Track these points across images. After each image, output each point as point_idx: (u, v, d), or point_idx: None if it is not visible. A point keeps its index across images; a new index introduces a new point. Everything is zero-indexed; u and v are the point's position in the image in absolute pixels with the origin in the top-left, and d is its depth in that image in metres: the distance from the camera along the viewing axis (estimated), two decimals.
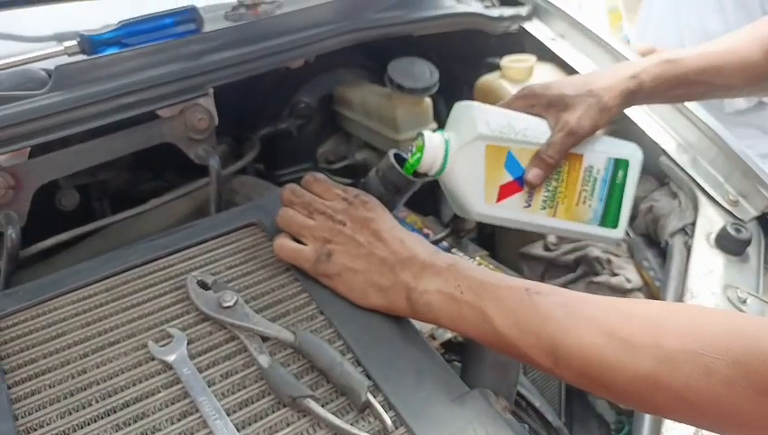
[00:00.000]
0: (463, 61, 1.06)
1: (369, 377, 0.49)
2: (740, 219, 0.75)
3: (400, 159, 0.65)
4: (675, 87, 0.68)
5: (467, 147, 0.62)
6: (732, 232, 0.70)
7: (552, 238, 0.87)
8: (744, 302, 0.65)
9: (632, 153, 0.66)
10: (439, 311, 0.50)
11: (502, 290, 0.48)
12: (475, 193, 0.63)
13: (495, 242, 1.04)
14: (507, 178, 0.63)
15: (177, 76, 0.65)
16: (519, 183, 0.64)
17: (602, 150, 0.65)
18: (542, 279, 0.86)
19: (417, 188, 0.65)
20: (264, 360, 0.50)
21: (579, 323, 0.44)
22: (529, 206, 0.64)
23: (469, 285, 0.49)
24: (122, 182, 0.82)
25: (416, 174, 0.64)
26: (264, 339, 0.52)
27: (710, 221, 0.75)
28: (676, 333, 0.41)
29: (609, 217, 0.66)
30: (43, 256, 0.69)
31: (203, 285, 0.56)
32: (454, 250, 0.85)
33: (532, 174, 0.63)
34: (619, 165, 0.65)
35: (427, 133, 0.63)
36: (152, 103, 0.64)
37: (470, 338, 0.51)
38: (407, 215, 0.94)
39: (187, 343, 0.52)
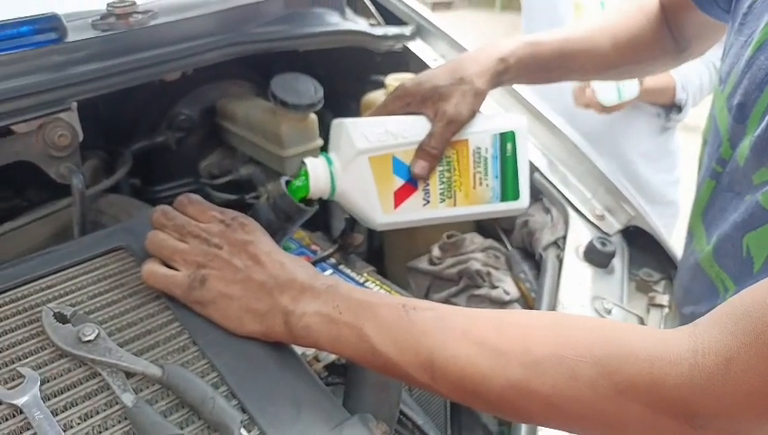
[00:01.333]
0: (350, 76, 1.06)
1: (244, 410, 0.47)
2: (606, 233, 0.81)
3: (291, 185, 0.63)
4: (536, 70, 0.71)
5: (351, 165, 0.62)
6: (598, 245, 0.75)
7: (436, 253, 0.89)
8: (609, 312, 0.70)
9: (515, 123, 0.67)
10: (318, 333, 0.49)
11: (379, 308, 0.48)
12: (371, 206, 0.63)
13: (384, 256, 1.05)
14: (398, 182, 0.64)
15: (34, 89, 0.60)
16: (412, 184, 0.64)
17: (485, 129, 0.66)
18: (427, 292, 0.88)
19: (308, 216, 0.64)
20: (127, 398, 0.47)
21: (453, 336, 0.45)
22: (428, 202, 0.65)
23: (348, 306, 0.49)
24: None
25: (307, 201, 0.63)
26: (130, 375, 0.49)
27: (579, 235, 0.80)
28: (542, 338, 0.43)
29: (508, 191, 0.67)
30: None
31: (60, 318, 0.51)
32: (341, 266, 0.85)
33: (418, 167, 0.64)
34: (506, 138, 0.66)
35: (309, 161, 0.63)
36: (5, 118, 0.58)
37: (349, 359, 0.51)
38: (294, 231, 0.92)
39: (41, 384, 0.47)
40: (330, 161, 0.63)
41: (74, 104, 0.61)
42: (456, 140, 0.65)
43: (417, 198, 0.64)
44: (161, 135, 0.90)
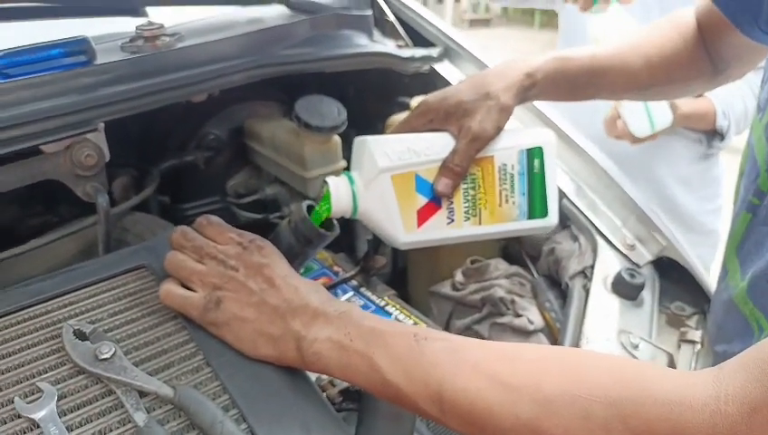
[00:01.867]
0: (379, 97, 1.07)
1: (253, 434, 0.47)
2: (636, 264, 0.78)
3: (312, 210, 0.63)
4: (564, 87, 0.69)
5: (373, 183, 0.62)
6: (626, 277, 0.73)
7: (459, 278, 0.88)
8: (636, 347, 0.67)
9: (543, 138, 0.66)
10: (329, 360, 0.49)
11: (390, 337, 0.47)
12: (394, 225, 0.62)
13: (407, 280, 1.04)
14: (422, 201, 0.63)
15: (63, 110, 0.61)
16: (435, 202, 0.63)
17: (511, 145, 0.64)
18: (449, 318, 0.87)
19: (328, 241, 0.63)
20: (139, 417, 0.47)
21: (465, 369, 0.44)
22: (452, 221, 0.64)
23: (359, 333, 0.48)
24: (8, 218, 0.76)
25: (328, 225, 0.63)
26: (143, 394, 0.49)
27: (607, 265, 0.78)
28: (556, 376, 0.41)
29: (536, 209, 0.65)
30: None
31: (80, 335, 0.52)
32: (362, 289, 0.85)
33: (442, 184, 0.62)
34: (533, 154, 0.65)
35: (331, 180, 0.63)
36: (35, 139, 0.60)
37: (360, 387, 0.50)
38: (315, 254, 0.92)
39: (59, 399, 0.48)
40: (352, 180, 0.63)
41: (101, 125, 0.63)
42: (482, 156, 0.63)
43: (440, 216, 0.63)
44: (190, 154, 0.92)
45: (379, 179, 0.61)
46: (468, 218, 0.64)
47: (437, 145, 0.63)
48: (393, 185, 0.62)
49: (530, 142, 0.65)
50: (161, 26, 0.73)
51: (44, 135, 0.60)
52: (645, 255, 0.79)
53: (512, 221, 0.65)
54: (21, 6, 0.75)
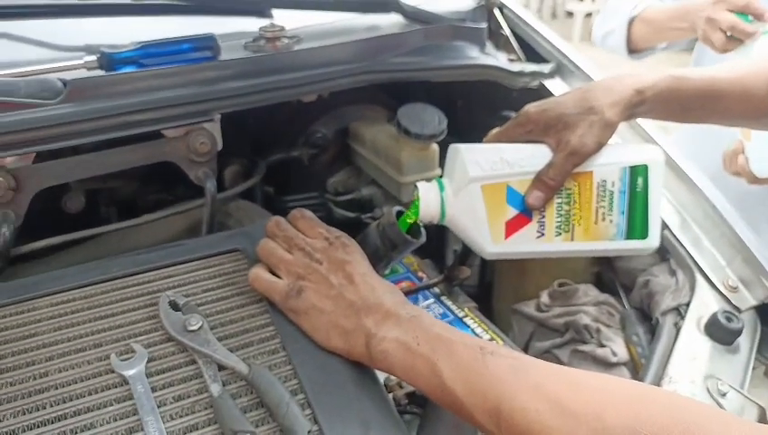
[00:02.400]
0: (486, 110, 1.06)
1: (315, 421, 0.49)
2: (736, 307, 0.73)
3: (401, 216, 0.65)
4: (676, 107, 0.66)
5: (462, 192, 0.62)
6: (722, 320, 0.68)
7: (544, 299, 0.86)
8: (723, 395, 0.63)
9: (649, 156, 0.62)
10: (394, 359, 0.50)
11: (457, 346, 0.48)
12: (481, 235, 0.62)
13: (493, 295, 1.03)
14: (512, 212, 0.62)
15: (185, 100, 0.68)
16: (526, 215, 0.62)
17: (614, 161, 0.62)
18: (529, 339, 0.85)
19: (414, 248, 0.65)
20: (215, 388, 0.51)
21: (526, 388, 0.44)
22: (543, 235, 0.62)
23: (427, 338, 0.49)
24: (131, 191, 0.85)
25: (415, 232, 0.64)
26: (221, 368, 0.53)
27: (705, 305, 0.73)
28: (618, 407, 0.40)
29: (635, 229, 0.62)
30: (45, 253, 0.72)
31: (174, 306, 0.57)
32: (443, 298, 0.85)
33: (533, 197, 0.61)
34: (637, 172, 0.62)
35: (421, 185, 0.64)
36: (158, 123, 0.67)
37: (420, 390, 0.51)
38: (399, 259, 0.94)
39: (148, 361, 0.53)
40: (442, 187, 0.63)
41: (218, 116, 0.69)
42: (580, 171, 0.61)
43: (530, 229, 0.62)
44: (297, 150, 0.97)
45: (468, 188, 0.62)
46: (560, 234, 0.62)
47: (533, 157, 0.62)
48: (483, 194, 0.61)
49: (635, 160, 0.62)
50: (282, 28, 0.78)
51: (167, 121, 0.67)
52: (748, 299, 0.73)
53: (607, 240, 0.62)
54: (157, 4, 0.83)
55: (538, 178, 0.61)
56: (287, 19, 0.86)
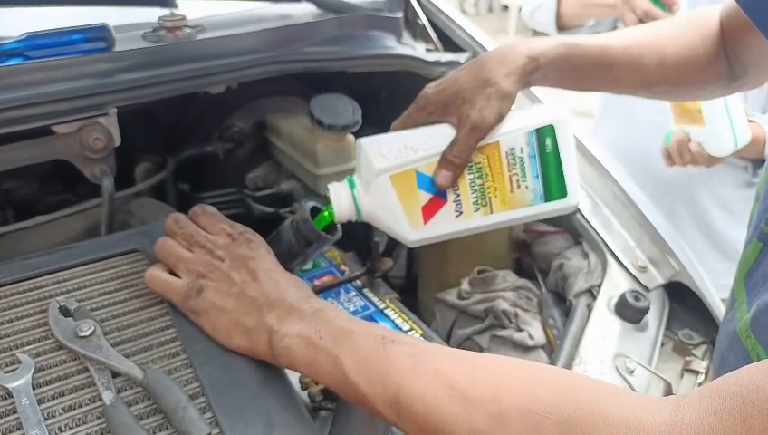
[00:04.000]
0: (410, 100, 1.06)
1: (217, 424, 0.47)
2: (645, 286, 0.75)
3: (318, 212, 0.63)
4: (568, 74, 0.66)
5: (373, 186, 0.61)
6: (630, 300, 0.70)
7: (465, 287, 0.86)
8: (631, 372, 0.64)
9: (552, 116, 0.62)
10: (296, 355, 0.49)
11: (358, 337, 0.47)
12: (400, 225, 0.61)
13: (417, 285, 1.03)
14: (425, 197, 0.61)
15: (77, 93, 0.64)
16: (440, 197, 0.61)
17: (518, 127, 0.61)
18: (452, 327, 0.85)
19: (329, 244, 0.63)
20: (107, 396, 0.48)
21: (424, 375, 0.43)
22: (461, 213, 0.62)
23: (329, 331, 0.48)
24: (29, 192, 0.80)
25: (332, 227, 0.63)
26: (116, 374, 0.50)
27: (615, 285, 0.75)
28: (513, 389, 0.40)
29: (553, 190, 0.62)
30: None
31: (64, 312, 0.54)
32: (365, 290, 0.84)
33: (441, 177, 0.60)
34: (543, 134, 0.61)
35: (331, 186, 0.62)
36: (47, 119, 0.63)
37: (324, 384, 0.50)
38: (328, 248, 0.93)
39: (36, 371, 0.49)
40: (352, 184, 0.62)
41: (113, 110, 0.65)
42: (486, 144, 0.61)
43: (448, 210, 0.61)
44: (211, 145, 0.94)
45: (377, 181, 0.61)
46: (478, 209, 0.62)
47: (437, 138, 0.61)
48: (393, 185, 0.60)
49: (539, 122, 0.61)
50: (183, 18, 0.75)
51: (56, 116, 0.63)
52: (656, 278, 0.75)
53: (526, 206, 0.62)
54: None
55: (443, 158, 0.60)
56: (192, 9, 0.82)
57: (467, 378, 0.42)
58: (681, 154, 1.18)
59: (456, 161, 0.60)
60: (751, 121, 1.26)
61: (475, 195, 0.61)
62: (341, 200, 0.62)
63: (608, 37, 0.68)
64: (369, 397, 0.45)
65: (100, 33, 0.66)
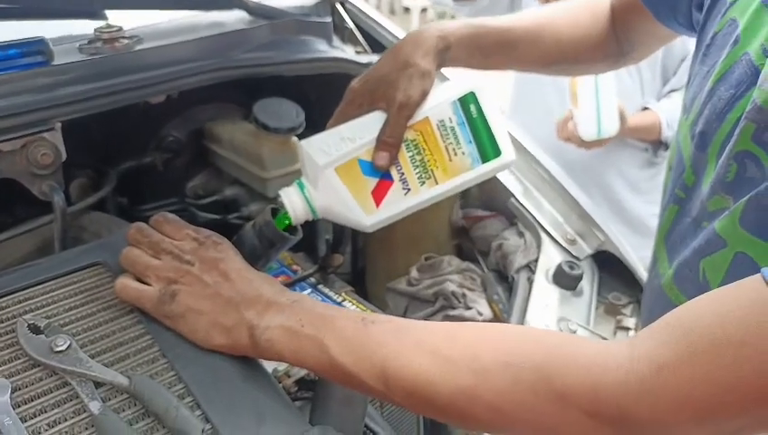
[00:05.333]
0: (339, 102, 1.09)
1: (208, 420, 0.48)
2: (576, 257, 0.83)
3: (277, 214, 0.65)
4: (475, 53, 0.70)
5: (320, 182, 0.63)
6: (566, 269, 0.77)
7: (414, 274, 0.91)
8: (573, 332, 0.71)
9: (470, 84, 0.65)
10: (281, 345, 0.51)
11: (340, 321, 0.50)
12: (353, 213, 0.64)
13: (366, 277, 1.07)
14: (372, 182, 0.64)
15: (19, 109, 0.62)
16: (386, 179, 0.64)
17: (442, 100, 0.64)
18: (404, 313, 0.90)
19: (292, 244, 0.65)
20: (94, 406, 0.48)
21: (408, 347, 0.47)
22: (409, 190, 0.64)
23: (310, 319, 0.51)
24: None
25: (292, 228, 0.64)
26: (99, 385, 0.50)
27: (550, 258, 0.82)
28: (491, 347, 0.45)
29: (487, 151, 0.65)
30: None
31: (34, 329, 0.53)
32: (320, 286, 0.87)
33: (379, 158, 0.63)
34: (466, 101, 0.64)
35: (283, 192, 0.64)
36: None
37: (311, 370, 0.53)
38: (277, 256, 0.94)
39: (13, 391, 0.49)
40: (302, 186, 0.64)
41: (58, 125, 0.64)
42: (416, 121, 0.64)
43: (396, 189, 0.64)
44: (148, 156, 0.93)
45: (324, 177, 0.63)
46: (424, 182, 0.65)
47: (371, 125, 0.64)
48: (339, 177, 0.63)
49: (459, 91, 0.65)
50: (120, 29, 0.75)
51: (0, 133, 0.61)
52: (585, 249, 0.83)
53: (467, 171, 0.65)
54: None
55: (379, 141, 0.63)
56: (122, 20, 0.82)
57: (448, 343, 0.46)
58: (561, 130, 1.30)
59: (390, 141, 0.63)
60: (646, 109, 1.40)
61: (417, 170, 0.65)
62: (295, 203, 0.63)
63: (510, 18, 0.74)
64: (356, 374, 0.48)
65: (37, 47, 0.65)
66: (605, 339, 0.72)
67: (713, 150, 0.53)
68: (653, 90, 1.42)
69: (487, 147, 0.65)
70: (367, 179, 0.64)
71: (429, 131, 0.64)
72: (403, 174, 0.65)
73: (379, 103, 0.65)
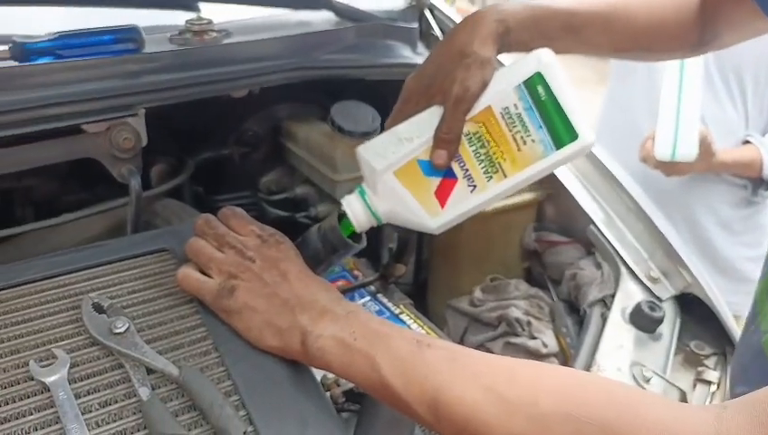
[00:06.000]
0: None
1: (250, 421, 0.48)
2: (657, 297, 0.77)
3: (343, 219, 0.63)
4: (537, 37, 0.64)
5: (380, 187, 0.61)
6: (646, 309, 0.72)
7: (477, 294, 0.88)
8: (647, 380, 0.66)
9: (536, 63, 0.59)
10: (331, 356, 0.49)
11: (395, 340, 0.48)
12: (417, 216, 0.61)
13: (428, 292, 1.04)
14: (435, 182, 0.60)
15: (107, 93, 0.64)
16: (450, 177, 0.60)
17: (504, 86, 0.59)
18: (464, 333, 0.87)
19: (355, 251, 0.64)
20: (144, 392, 0.48)
21: (462, 378, 0.44)
22: (475, 187, 0.60)
23: (364, 334, 0.49)
24: (49, 191, 0.80)
25: (357, 235, 0.63)
26: (150, 371, 0.50)
27: (628, 295, 0.77)
28: (553, 393, 0.41)
29: (562, 136, 0.58)
30: None
31: (98, 308, 0.54)
32: (379, 295, 0.85)
33: (437, 157, 0.59)
34: (533, 83, 0.58)
35: (344, 200, 0.63)
36: (77, 117, 0.63)
37: (358, 385, 0.51)
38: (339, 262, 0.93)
39: (71, 367, 0.50)
40: (363, 192, 0.62)
41: (142, 111, 0.66)
42: (478, 111, 0.59)
43: (461, 187, 0.60)
44: (227, 148, 0.95)
45: (383, 181, 0.61)
46: (491, 177, 0.60)
47: (426, 122, 0.60)
48: (398, 180, 0.60)
49: (524, 73, 0.58)
50: (210, 22, 0.76)
51: (87, 115, 0.63)
52: (668, 289, 0.77)
53: (540, 160, 0.59)
54: None
55: (435, 138, 0.59)
56: (214, 14, 0.83)
57: (506, 381, 0.43)
58: (641, 148, 1.23)
59: (447, 137, 0.58)
60: (748, 142, 1.30)
61: (483, 165, 0.60)
62: (356, 211, 0.62)
63: (577, 0, 0.68)
64: (405, 399, 0.46)
65: (130, 35, 0.67)
66: (683, 392, 0.66)
67: None
68: (759, 124, 1.32)
69: (561, 131, 0.58)
70: (429, 180, 0.60)
71: (493, 121, 0.59)
72: (467, 170, 0.60)
73: (435, 98, 0.60)
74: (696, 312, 0.78)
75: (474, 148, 0.60)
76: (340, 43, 0.87)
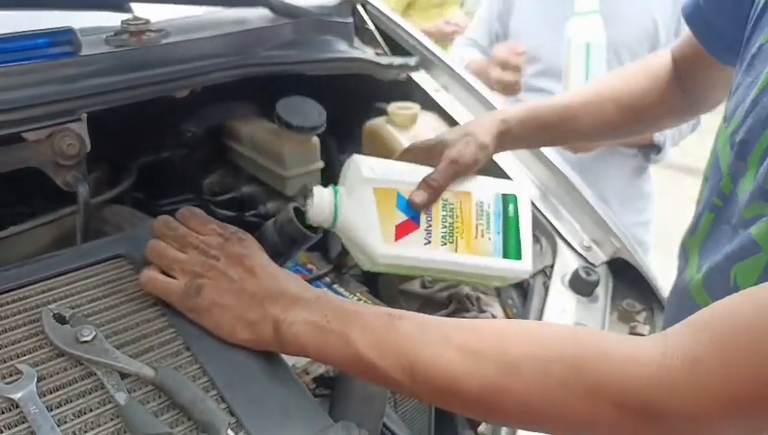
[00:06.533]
0: (356, 103, 1.09)
1: (232, 414, 0.49)
2: (591, 263, 0.83)
3: (298, 213, 0.65)
4: (536, 131, 0.75)
5: (355, 192, 0.64)
6: (583, 275, 0.77)
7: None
8: None
9: (518, 189, 0.70)
10: (306, 340, 0.51)
11: (366, 316, 0.50)
12: (372, 234, 0.63)
13: (378, 279, 1.07)
14: (401, 217, 0.64)
15: (46, 99, 0.62)
16: (414, 221, 0.65)
17: (489, 187, 0.69)
18: None
19: (312, 242, 0.66)
20: (121, 397, 0.48)
21: (434, 342, 0.47)
22: (429, 242, 0.65)
23: (336, 315, 0.51)
24: None
25: (311, 227, 0.65)
26: (124, 376, 0.50)
27: (566, 264, 0.82)
28: (519, 341, 0.45)
29: (510, 250, 0.68)
30: None
31: (60, 319, 0.53)
32: (335, 286, 0.87)
33: (417, 196, 0.65)
34: (508, 199, 0.69)
35: (316, 188, 0.65)
36: (17, 125, 0.61)
37: (334, 365, 0.53)
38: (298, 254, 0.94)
39: (39, 380, 0.49)
40: (336, 192, 0.65)
41: (84, 115, 0.64)
42: (461, 191, 0.67)
43: (418, 235, 0.65)
44: (167, 151, 0.93)
45: (362, 189, 0.64)
46: (445, 244, 0.66)
47: (419, 172, 0.67)
48: (375, 196, 0.64)
49: (506, 189, 0.70)
50: (147, 21, 0.75)
51: (26, 123, 0.61)
52: (600, 255, 0.84)
53: (487, 256, 0.67)
54: None
55: (423, 181, 0.66)
56: (149, 14, 0.82)
57: (475, 338, 0.46)
58: None
59: (433, 184, 0.66)
60: None
61: (444, 230, 0.66)
62: (323, 203, 0.63)
63: (566, 95, 0.79)
64: (383, 368, 0.48)
65: (66, 38, 0.65)
66: None
67: (753, 159, 0.54)
68: None
69: (511, 246, 0.68)
70: (397, 212, 0.65)
71: (468, 205, 0.68)
72: (430, 225, 0.66)
73: (433, 160, 0.69)
74: (625, 274, 0.85)
75: (444, 213, 0.67)
76: (279, 40, 0.87)
